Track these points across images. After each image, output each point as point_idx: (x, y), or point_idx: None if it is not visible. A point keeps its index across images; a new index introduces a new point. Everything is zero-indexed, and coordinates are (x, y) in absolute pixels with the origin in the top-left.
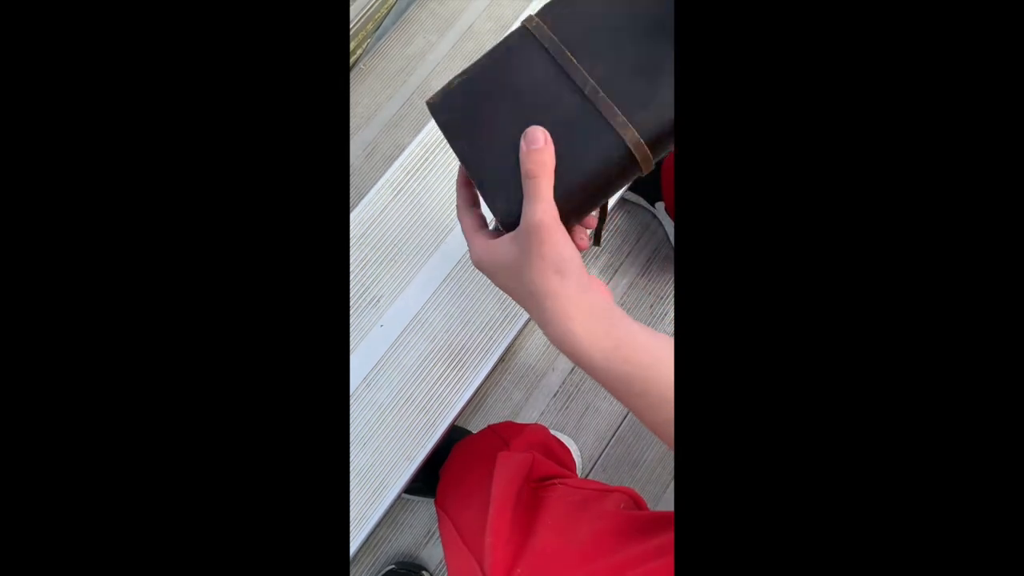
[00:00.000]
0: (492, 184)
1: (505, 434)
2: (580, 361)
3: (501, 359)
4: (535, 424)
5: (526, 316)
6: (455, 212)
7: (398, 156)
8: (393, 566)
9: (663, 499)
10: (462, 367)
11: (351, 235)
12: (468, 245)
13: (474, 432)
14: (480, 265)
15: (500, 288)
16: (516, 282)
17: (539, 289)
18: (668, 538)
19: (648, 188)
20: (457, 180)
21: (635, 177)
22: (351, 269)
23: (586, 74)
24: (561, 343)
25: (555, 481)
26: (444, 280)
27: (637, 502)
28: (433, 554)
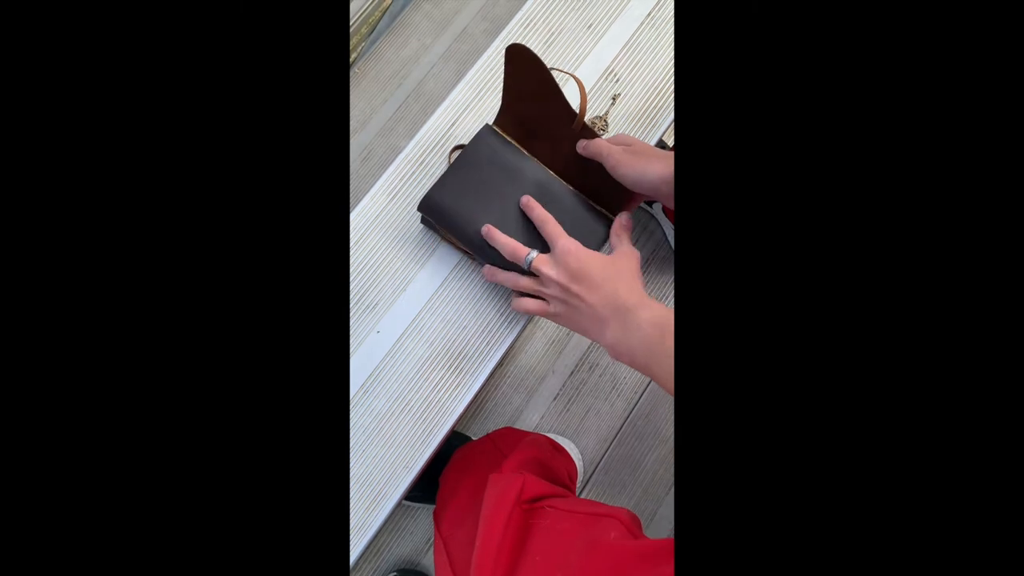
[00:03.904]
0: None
1: (503, 444)
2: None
3: (500, 363)
4: (534, 434)
5: (525, 319)
6: None
7: (393, 160)
8: (395, 573)
9: (665, 501)
10: (460, 372)
11: None
12: (565, 243)
13: (474, 439)
14: (572, 258)
15: (575, 294)
16: (605, 288)
17: (628, 300)
18: (665, 572)
19: None
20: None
21: None
22: None
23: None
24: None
25: (546, 504)
26: (441, 285)
27: (631, 529)
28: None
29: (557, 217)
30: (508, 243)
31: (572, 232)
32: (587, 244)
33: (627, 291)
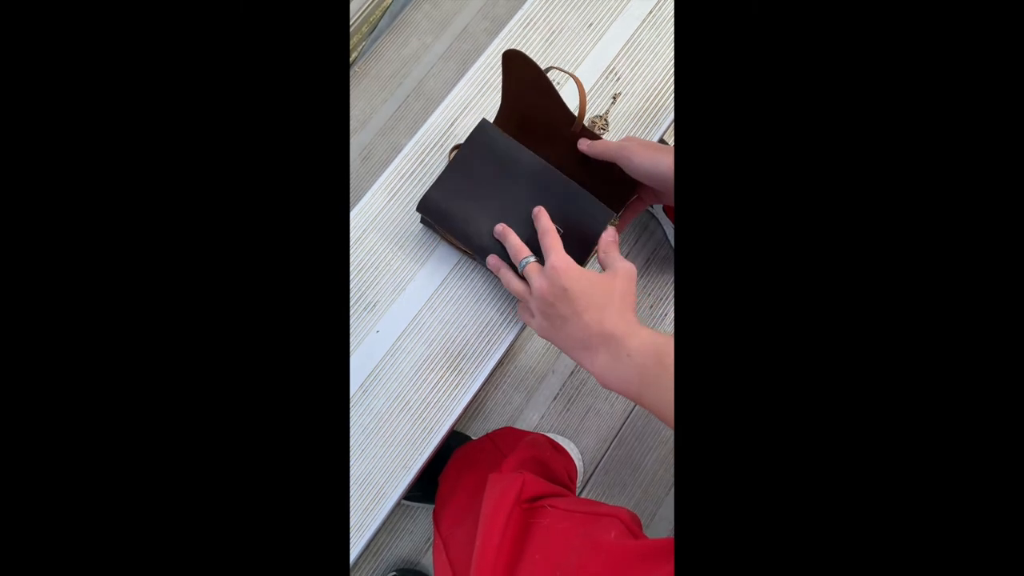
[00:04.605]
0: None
1: (502, 444)
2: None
3: (500, 363)
4: (534, 433)
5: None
6: None
7: (393, 159)
8: (394, 572)
9: (665, 502)
10: (459, 372)
11: None
12: (555, 260)
13: (474, 438)
14: (562, 276)
15: (560, 315)
16: (592, 314)
17: (616, 328)
18: (665, 571)
19: None
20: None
21: None
22: None
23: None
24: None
25: (545, 503)
26: (440, 284)
27: (631, 528)
28: None
29: (559, 206)
30: (516, 243)
31: (576, 221)
32: (591, 231)
33: (615, 318)
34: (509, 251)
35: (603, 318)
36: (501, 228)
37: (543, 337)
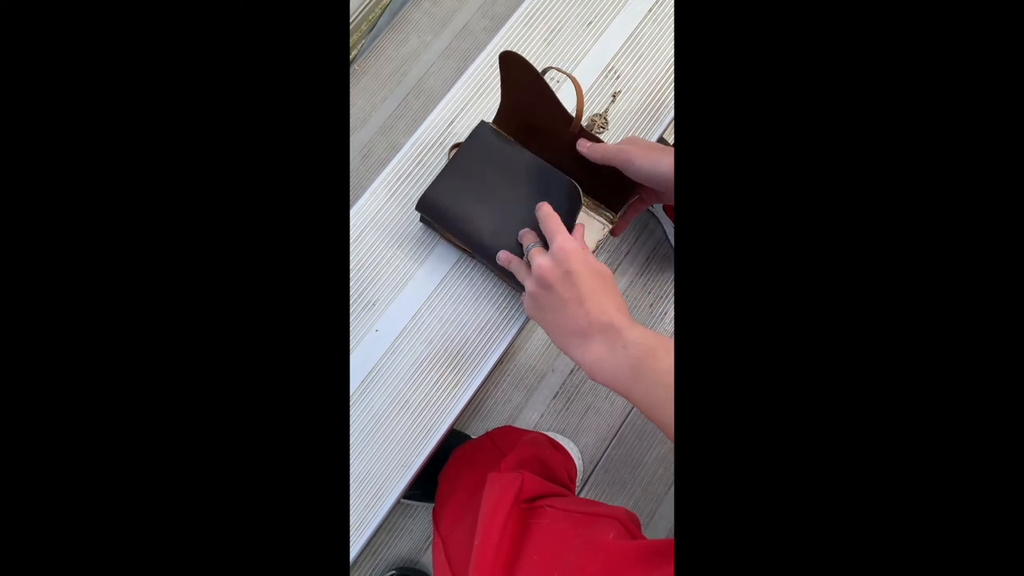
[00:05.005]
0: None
1: (502, 443)
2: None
3: (499, 361)
4: (534, 432)
5: (524, 318)
6: None
7: (393, 158)
8: (394, 571)
9: (665, 501)
10: (459, 371)
11: None
12: (562, 241)
13: (473, 437)
14: (571, 258)
15: (559, 296)
16: (595, 300)
17: (616, 318)
18: (662, 572)
19: None
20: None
21: None
22: None
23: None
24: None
25: (544, 503)
26: (440, 283)
27: (629, 528)
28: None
29: (560, 204)
30: (528, 235)
31: (575, 215)
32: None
33: (615, 308)
34: (523, 244)
35: (606, 307)
36: (523, 233)
37: (531, 316)
